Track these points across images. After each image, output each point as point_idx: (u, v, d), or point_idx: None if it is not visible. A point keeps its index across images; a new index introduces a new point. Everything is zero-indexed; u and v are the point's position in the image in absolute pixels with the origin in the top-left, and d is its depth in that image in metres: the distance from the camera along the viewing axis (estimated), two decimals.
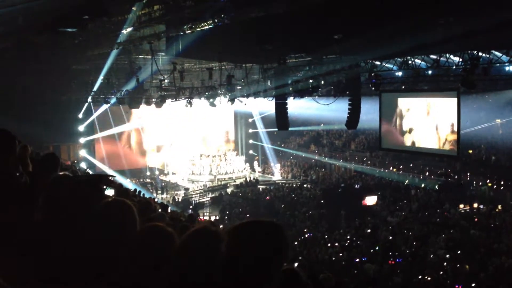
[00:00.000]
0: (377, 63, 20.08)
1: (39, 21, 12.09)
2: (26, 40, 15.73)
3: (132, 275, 2.04)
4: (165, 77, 24.13)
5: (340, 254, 17.76)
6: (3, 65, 19.52)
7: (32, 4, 10.87)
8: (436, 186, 27.58)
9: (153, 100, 27.28)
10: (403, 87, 21.53)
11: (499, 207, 22.79)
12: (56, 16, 11.52)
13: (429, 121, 19.67)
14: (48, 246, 2.26)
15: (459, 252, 16.98)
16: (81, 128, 32.44)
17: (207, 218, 25.07)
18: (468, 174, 28.59)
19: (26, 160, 4.16)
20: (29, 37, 15.12)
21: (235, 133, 41.34)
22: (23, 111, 23.42)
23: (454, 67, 17.28)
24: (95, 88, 27.41)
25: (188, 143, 38.06)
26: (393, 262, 16.64)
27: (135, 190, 17.05)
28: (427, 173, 30.24)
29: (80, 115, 31.94)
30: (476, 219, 21.34)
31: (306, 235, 20.80)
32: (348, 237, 19.89)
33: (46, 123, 25.62)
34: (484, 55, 16.20)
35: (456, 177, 28.69)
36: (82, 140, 32.72)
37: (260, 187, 32.65)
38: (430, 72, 19.39)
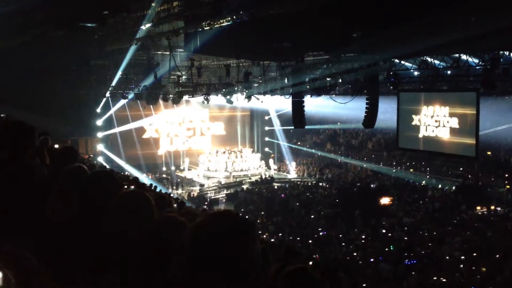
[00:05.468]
0: (396, 62, 19.93)
1: (59, 16, 12.20)
2: (46, 35, 15.88)
3: (146, 264, 2.07)
4: (183, 73, 24.24)
5: (355, 254, 17.70)
6: (23, 59, 19.74)
7: None
8: (453, 187, 27.34)
9: (170, 96, 27.41)
10: (422, 86, 21.35)
11: None
12: (76, 10, 11.61)
13: (447, 121, 19.47)
14: (65, 238, 2.29)
15: (475, 254, 16.81)
16: (99, 122, 32.69)
17: None
18: (486, 175, 28.28)
19: (44, 152, 4.21)
20: (49, 31, 15.27)
21: (251, 130, 41.32)
22: (42, 104, 23.67)
23: (475, 67, 17.08)
24: (113, 83, 27.62)
25: (204, 139, 38.24)
26: (408, 263, 16.54)
27: (151, 185, 17.15)
28: (444, 174, 29.99)
29: (98, 110, 32.19)
30: (493, 221, 21.11)
31: (321, 234, 20.75)
32: (363, 236, 19.81)
33: (65, 116, 25.85)
34: (505, 54, 15.96)
35: (474, 178, 28.41)
36: (100, 134, 32.98)
37: (275, 184, 32.64)
38: (449, 72, 19.18)
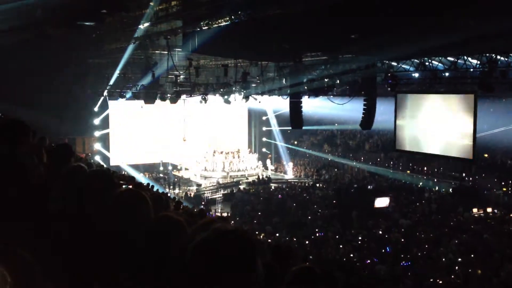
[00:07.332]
0: (394, 63, 19.94)
1: (58, 14, 12.17)
2: (44, 33, 15.84)
3: (144, 263, 2.07)
4: (181, 72, 24.22)
5: (351, 255, 17.70)
6: (21, 58, 19.68)
7: None
8: (450, 189, 27.37)
9: (168, 95, 27.38)
10: (419, 88, 21.37)
11: None
12: (74, 9, 11.59)
13: (445, 123, 19.49)
14: (63, 236, 2.28)
15: (471, 256, 16.84)
16: (97, 121, 32.64)
17: (218, 214, 25.10)
18: (483, 178, 28.31)
19: (41, 151, 4.20)
20: (47, 30, 15.23)
21: (248, 130, 41.26)
22: (39, 103, 23.61)
23: (471, 70, 17.10)
24: (111, 82, 27.56)
25: (201, 139, 38.13)
26: (404, 264, 16.55)
27: (148, 184, 17.15)
28: (441, 176, 30.02)
29: (96, 109, 32.15)
30: (489, 224, 21.14)
31: (318, 235, 20.75)
32: (360, 237, 19.82)
33: (62, 115, 25.84)
34: (502, 58, 15.99)
35: (470, 180, 28.44)
36: (97, 133, 32.93)
37: (273, 185, 32.64)
38: (447, 74, 19.21)
